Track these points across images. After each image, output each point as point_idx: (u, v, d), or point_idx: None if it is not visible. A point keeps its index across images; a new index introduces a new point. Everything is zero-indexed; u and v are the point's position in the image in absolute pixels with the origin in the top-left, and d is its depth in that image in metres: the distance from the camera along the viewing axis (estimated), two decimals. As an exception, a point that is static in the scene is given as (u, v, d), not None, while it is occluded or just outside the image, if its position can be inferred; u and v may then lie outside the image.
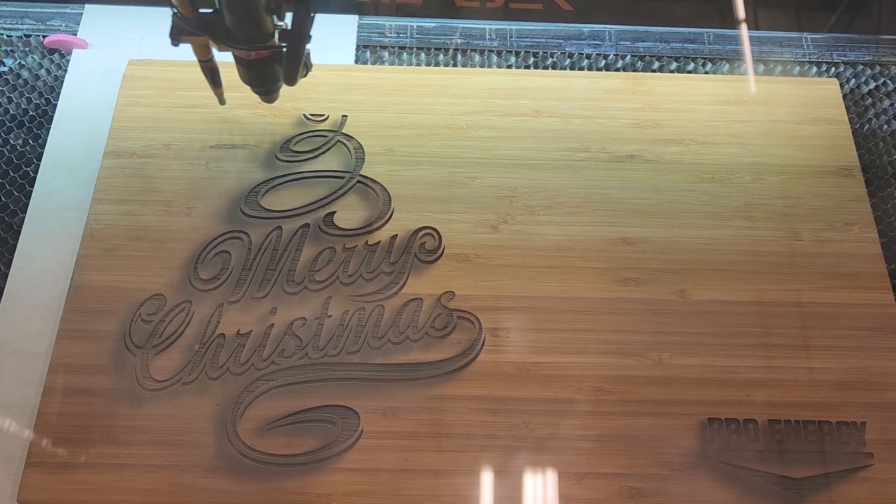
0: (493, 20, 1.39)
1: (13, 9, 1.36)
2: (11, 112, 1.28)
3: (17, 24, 1.35)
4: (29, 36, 1.35)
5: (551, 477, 0.99)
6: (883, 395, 1.04)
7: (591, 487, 0.98)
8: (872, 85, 1.36)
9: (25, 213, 1.17)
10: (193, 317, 1.07)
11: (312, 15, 0.88)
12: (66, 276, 1.10)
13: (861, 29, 1.42)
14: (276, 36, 0.91)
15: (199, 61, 1.00)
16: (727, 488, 0.99)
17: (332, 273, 1.10)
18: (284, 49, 0.91)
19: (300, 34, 0.89)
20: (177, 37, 0.91)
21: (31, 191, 1.19)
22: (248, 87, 1.00)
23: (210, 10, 0.89)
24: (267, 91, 1.02)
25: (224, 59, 0.98)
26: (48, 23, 1.36)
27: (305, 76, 1.01)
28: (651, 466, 1.00)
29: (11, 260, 1.14)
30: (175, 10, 0.88)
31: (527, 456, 1.00)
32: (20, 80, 1.30)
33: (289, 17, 0.90)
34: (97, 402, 1.02)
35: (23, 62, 1.32)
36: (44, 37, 1.33)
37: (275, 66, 0.96)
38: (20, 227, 1.16)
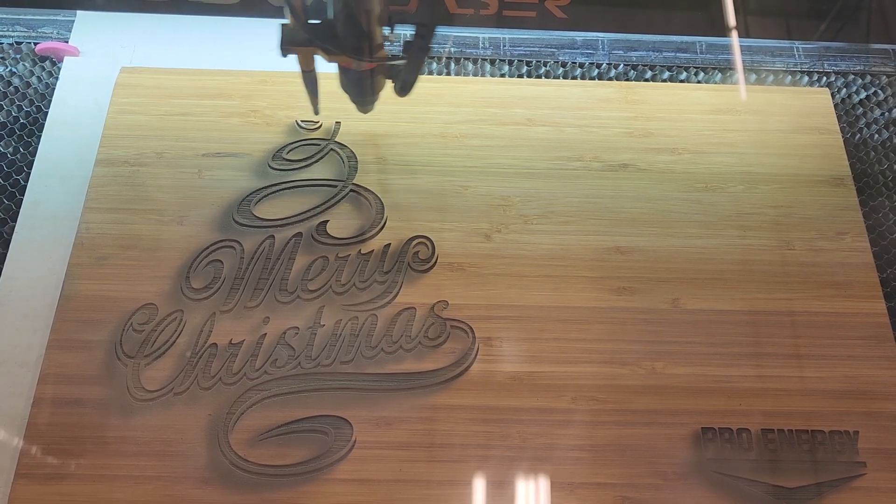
0: (486, 27, 1.39)
1: (4, 16, 1.36)
2: (2, 120, 1.27)
3: (8, 31, 1.35)
4: (20, 43, 1.34)
5: (544, 487, 0.99)
6: (876, 405, 1.05)
7: (584, 497, 0.98)
8: (863, 95, 1.37)
9: (16, 221, 1.16)
10: (185, 326, 1.06)
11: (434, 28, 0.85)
12: (57, 286, 1.09)
13: (849, 38, 1.43)
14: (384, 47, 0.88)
15: (302, 71, 0.97)
16: (720, 498, 0.98)
17: (325, 282, 1.09)
18: (404, 61, 0.89)
19: (424, 47, 0.86)
20: (287, 47, 0.88)
21: (22, 199, 1.18)
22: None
23: (318, 21, 0.86)
24: (367, 101, 1.01)
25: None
26: (40, 30, 1.35)
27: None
28: (644, 476, 0.99)
29: (1, 269, 1.13)
30: (285, 21, 0.85)
31: (520, 466, 1.00)
32: (11, 88, 1.29)
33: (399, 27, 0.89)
34: (87, 413, 1.01)
35: (14, 69, 1.31)
36: (35, 44, 1.33)
37: (379, 77, 0.95)
38: (10, 235, 1.15)
